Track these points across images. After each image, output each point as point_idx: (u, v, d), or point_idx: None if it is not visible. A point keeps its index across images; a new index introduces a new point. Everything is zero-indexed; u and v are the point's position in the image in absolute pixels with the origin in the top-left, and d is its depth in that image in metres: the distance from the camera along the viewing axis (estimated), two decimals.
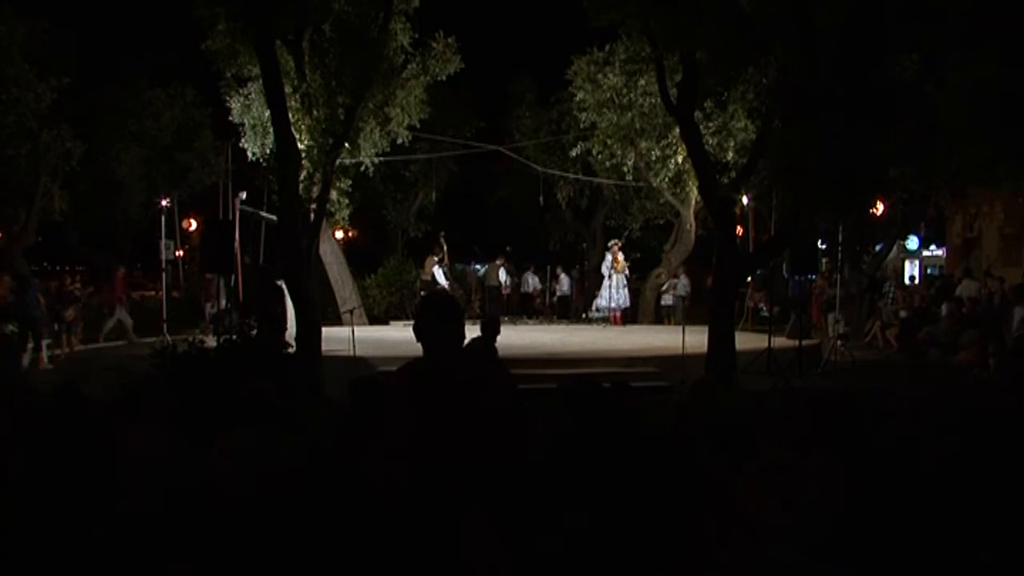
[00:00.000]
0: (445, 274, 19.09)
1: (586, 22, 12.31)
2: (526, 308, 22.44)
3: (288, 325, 11.88)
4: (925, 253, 26.91)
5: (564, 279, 23.23)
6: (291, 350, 10.48)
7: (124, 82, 20.40)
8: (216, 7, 12.35)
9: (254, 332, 10.18)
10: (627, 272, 19.94)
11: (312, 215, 11.98)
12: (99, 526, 2.45)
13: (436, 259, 19.02)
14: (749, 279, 18.41)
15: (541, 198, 22.45)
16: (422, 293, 19.14)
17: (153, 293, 23.91)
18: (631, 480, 3.29)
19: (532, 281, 23.55)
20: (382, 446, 3.06)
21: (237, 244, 13.46)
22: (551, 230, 26.81)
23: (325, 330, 11.95)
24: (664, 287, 20.36)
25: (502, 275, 21.62)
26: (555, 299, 23.73)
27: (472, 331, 5.86)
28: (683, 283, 20.42)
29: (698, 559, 2.66)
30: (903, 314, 15.64)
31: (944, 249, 25.31)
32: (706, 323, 12.03)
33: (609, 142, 17.56)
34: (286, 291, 11.93)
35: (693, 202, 18.29)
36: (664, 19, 11.25)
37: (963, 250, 22.70)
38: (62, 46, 17.26)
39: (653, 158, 17.44)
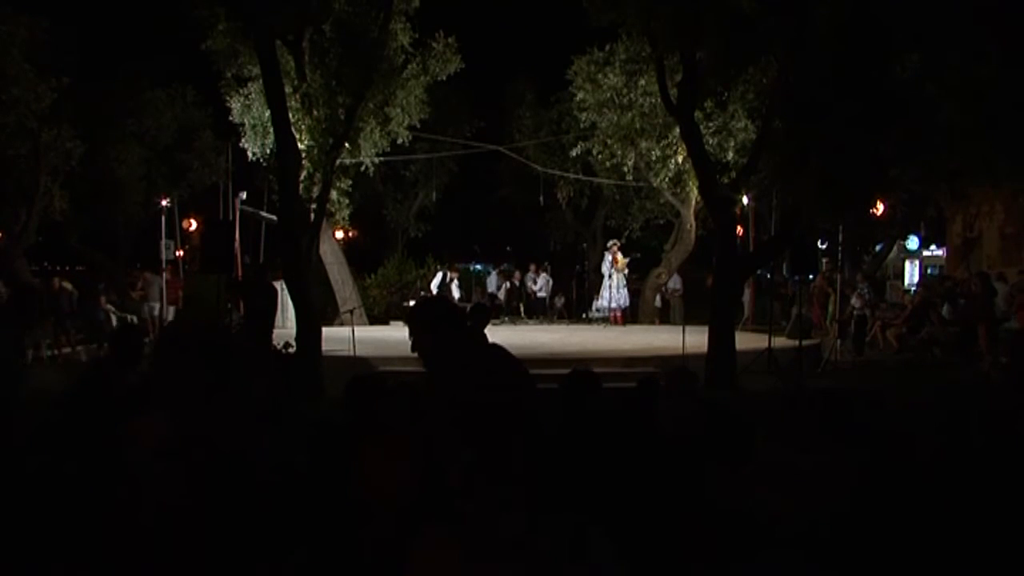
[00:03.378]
0: (443, 280, 19.41)
1: (586, 22, 12.32)
2: (533, 309, 22.14)
3: (289, 325, 11.89)
4: (925, 253, 26.90)
5: (542, 279, 22.63)
6: (291, 350, 10.49)
7: (124, 82, 20.38)
8: (216, 7, 12.36)
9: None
10: (626, 272, 19.93)
11: (312, 215, 11.98)
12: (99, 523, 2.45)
13: (446, 271, 19.45)
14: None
15: (541, 198, 22.45)
16: (422, 294, 19.30)
17: None
18: (636, 477, 3.29)
19: (542, 282, 22.53)
20: (379, 444, 3.05)
21: (237, 244, 13.47)
22: (551, 230, 26.79)
23: (325, 330, 11.95)
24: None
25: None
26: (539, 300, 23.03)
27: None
28: (674, 281, 20.39)
29: (699, 558, 2.67)
30: (857, 312, 15.43)
31: (944, 249, 25.30)
32: (706, 323, 12.04)
33: (609, 142, 17.56)
34: (284, 291, 11.94)
35: (693, 202, 18.29)
36: (664, 19, 11.26)
37: (963, 250, 22.69)
38: (62, 46, 17.23)
39: (653, 158, 17.45)
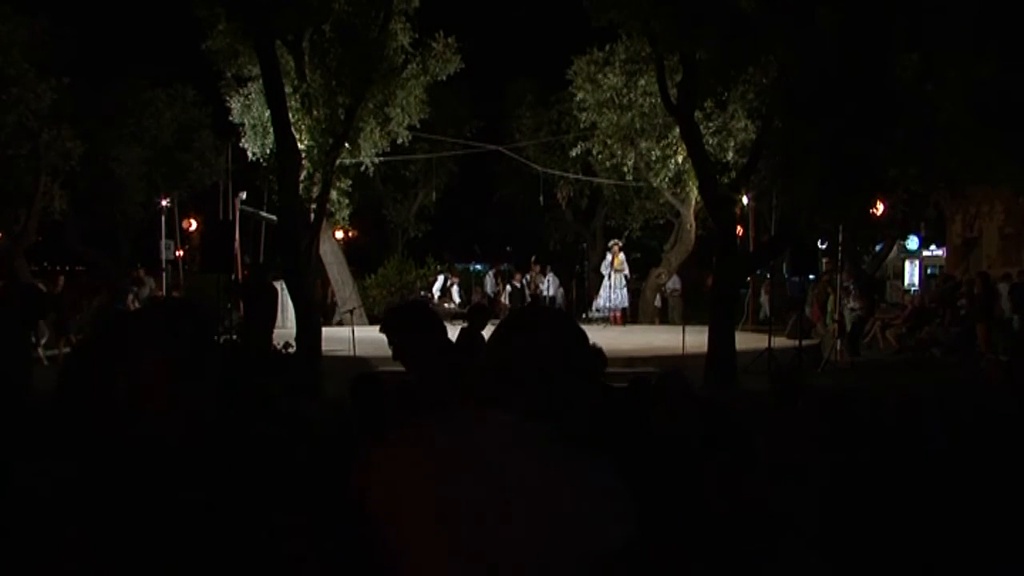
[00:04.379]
0: (444, 284, 19.62)
1: (586, 22, 12.31)
2: None
3: (289, 325, 11.90)
4: (925, 253, 26.88)
5: (550, 278, 22.24)
6: (291, 350, 10.50)
7: (124, 82, 20.40)
8: (216, 7, 12.36)
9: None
10: (626, 271, 19.93)
11: (312, 215, 11.98)
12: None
13: (447, 275, 19.60)
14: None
15: (541, 198, 22.42)
16: (422, 294, 19.44)
17: None
18: (632, 477, 3.29)
19: (550, 283, 21.56)
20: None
21: (237, 244, 13.47)
22: (551, 230, 26.79)
23: (325, 330, 11.96)
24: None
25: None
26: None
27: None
28: (673, 281, 20.39)
29: (699, 558, 2.67)
30: (853, 314, 15.41)
31: (944, 249, 25.30)
32: (705, 323, 12.04)
33: (609, 142, 17.56)
34: (285, 291, 11.93)
35: (693, 202, 18.29)
36: (664, 19, 11.26)
37: (963, 250, 22.69)
38: (62, 46, 17.24)
39: (653, 158, 17.44)
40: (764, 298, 19.52)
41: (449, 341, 3.28)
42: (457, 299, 19.54)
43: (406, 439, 1.64)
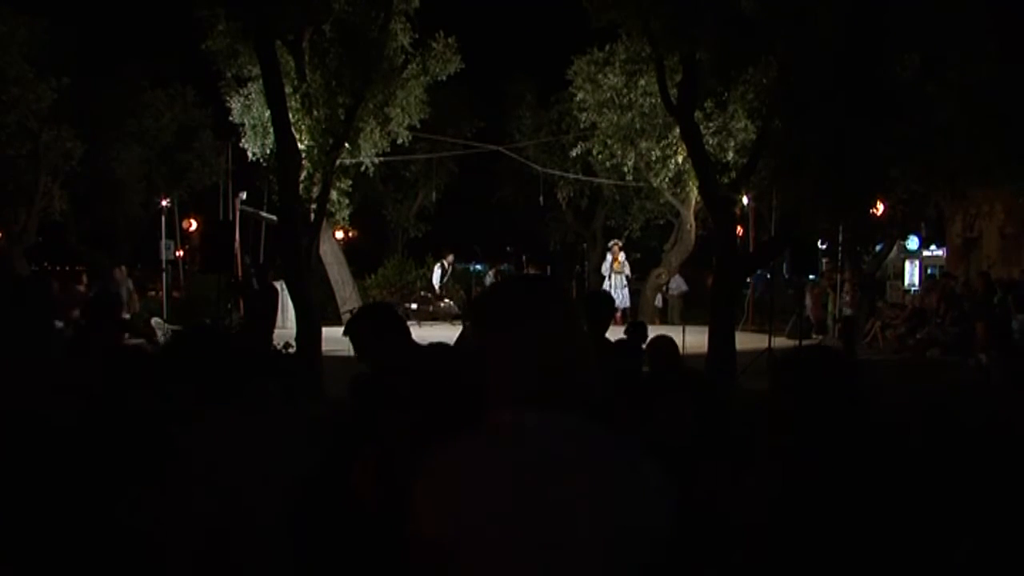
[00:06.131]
0: (443, 276, 19.58)
1: (586, 22, 12.31)
2: None
3: (289, 325, 11.91)
4: (925, 253, 26.84)
5: None
6: (291, 350, 10.51)
7: (124, 82, 20.41)
8: (216, 7, 12.37)
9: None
10: (627, 271, 19.92)
11: (312, 215, 11.98)
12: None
13: (441, 261, 19.56)
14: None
15: (541, 198, 22.45)
16: (422, 294, 19.45)
17: (153, 293, 23.95)
18: None
19: None
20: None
21: (237, 244, 13.48)
22: (551, 230, 26.79)
23: (325, 330, 11.95)
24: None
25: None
26: None
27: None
28: (676, 282, 20.38)
29: (696, 562, 2.67)
30: (847, 312, 15.36)
31: (944, 249, 25.27)
32: (705, 323, 12.04)
33: (609, 142, 17.56)
34: (284, 291, 11.93)
35: (693, 202, 18.30)
36: (664, 19, 11.25)
37: (963, 250, 22.67)
38: (62, 46, 17.26)
39: (653, 158, 17.45)
40: (809, 300, 18.36)
41: (414, 343, 3.27)
42: (438, 275, 19.54)
43: (462, 448, 1.59)
